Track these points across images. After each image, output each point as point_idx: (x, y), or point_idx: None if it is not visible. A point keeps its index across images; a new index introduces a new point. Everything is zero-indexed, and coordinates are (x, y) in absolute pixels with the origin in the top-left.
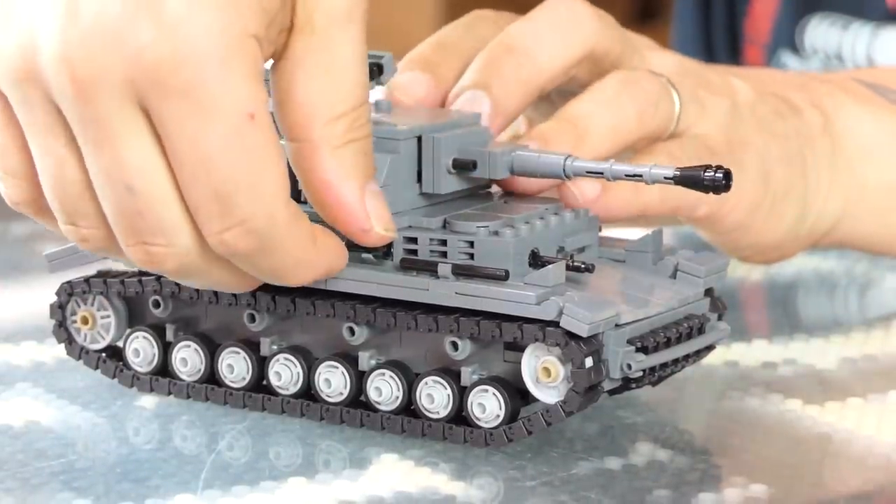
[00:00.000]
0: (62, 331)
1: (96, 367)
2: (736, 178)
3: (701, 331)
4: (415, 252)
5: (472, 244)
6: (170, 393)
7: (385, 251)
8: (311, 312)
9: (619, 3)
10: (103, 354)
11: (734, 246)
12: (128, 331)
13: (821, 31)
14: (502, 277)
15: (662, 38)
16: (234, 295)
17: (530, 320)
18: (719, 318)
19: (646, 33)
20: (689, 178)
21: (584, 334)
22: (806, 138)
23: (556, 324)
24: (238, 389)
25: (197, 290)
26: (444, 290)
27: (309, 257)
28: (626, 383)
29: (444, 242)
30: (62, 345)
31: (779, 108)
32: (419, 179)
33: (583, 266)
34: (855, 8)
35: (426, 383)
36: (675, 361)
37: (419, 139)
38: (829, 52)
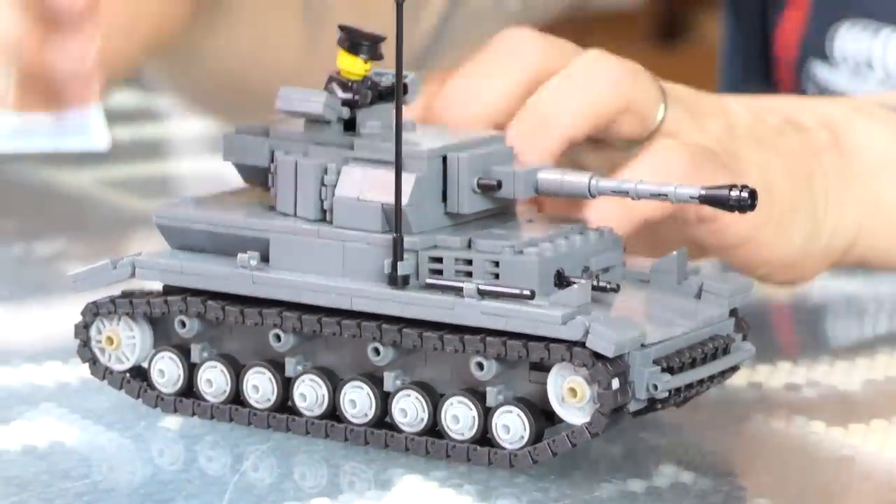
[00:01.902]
0: (86, 351)
1: (120, 388)
2: None
3: (726, 351)
4: (440, 272)
5: (497, 264)
6: (194, 414)
7: (405, 278)
8: (337, 333)
9: (642, 25)
10: (127, 375)
11: (748, 264)
12: (152, 351)
13: (850, 38)
14: (529, 297)
15: (685, 59)
16: (261, 314)
17: (557, 340)
18: (744, 339)
19: (668, 55)
20: (715, 198)
21: (611, 354)
22: (812, 154)
23: (582, 344)
24: (263, 410)
25: (223, 310)
26: (469, 310)
27: None
28: (652, 404)
29: (469, 262)
30: (86, 365)
31: (780, 126)
32: (444, 199)
33: (608, 286)
34: (885, 13)
35: (451, 404)
36: (701, 382)
37: (444, 158)
38: (859, 59)
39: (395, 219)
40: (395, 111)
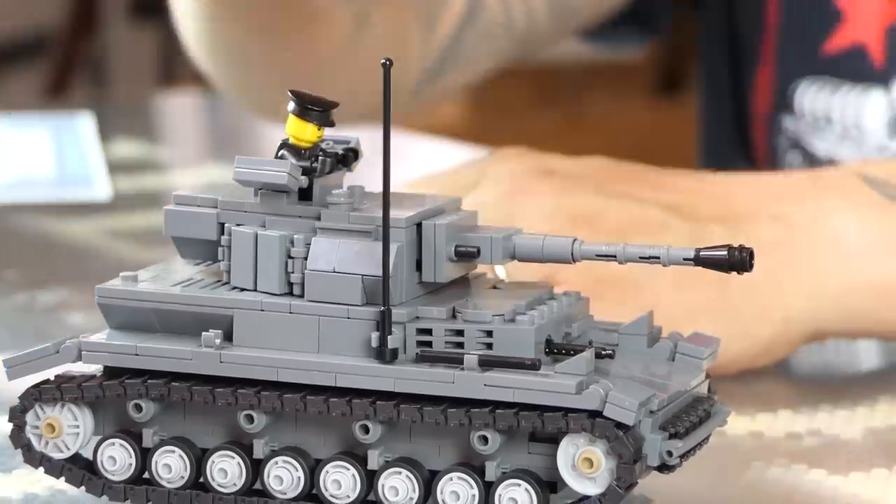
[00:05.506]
0: (21, 436)
1: (59, 476)
2: None
3: (709, 413)
4: (429, 344)
5: (489, 334)
6: (148, 500)
7: (393, 352)
8: (324, 411)
9: (642, 78)
10: (66, 463)
11: None
12: (95, 438)
13: (810, 94)
14: (534, 367)
15: (685, 112)
16: (234, 395)
17: (570, 410)
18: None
19: (669, 106)
20: (711, 260)
21: (631, 423)
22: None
23: (597, 413)
24: (229, 495)
25: (189, 392)
26: (472, 383)
27: None
28: (659, 469)
29: (460, 333)
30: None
31: (709, 231)
32: (418, 268)
33: (603, 352)
34: (844, 72)
35: (451, 479)
36: (699, 445)
37: (419, 226)
38: (818, 114)
39: (382, 291)
40: (382, 179)
